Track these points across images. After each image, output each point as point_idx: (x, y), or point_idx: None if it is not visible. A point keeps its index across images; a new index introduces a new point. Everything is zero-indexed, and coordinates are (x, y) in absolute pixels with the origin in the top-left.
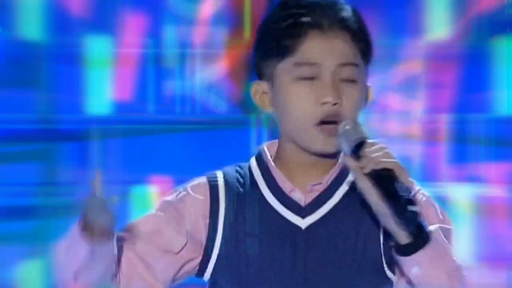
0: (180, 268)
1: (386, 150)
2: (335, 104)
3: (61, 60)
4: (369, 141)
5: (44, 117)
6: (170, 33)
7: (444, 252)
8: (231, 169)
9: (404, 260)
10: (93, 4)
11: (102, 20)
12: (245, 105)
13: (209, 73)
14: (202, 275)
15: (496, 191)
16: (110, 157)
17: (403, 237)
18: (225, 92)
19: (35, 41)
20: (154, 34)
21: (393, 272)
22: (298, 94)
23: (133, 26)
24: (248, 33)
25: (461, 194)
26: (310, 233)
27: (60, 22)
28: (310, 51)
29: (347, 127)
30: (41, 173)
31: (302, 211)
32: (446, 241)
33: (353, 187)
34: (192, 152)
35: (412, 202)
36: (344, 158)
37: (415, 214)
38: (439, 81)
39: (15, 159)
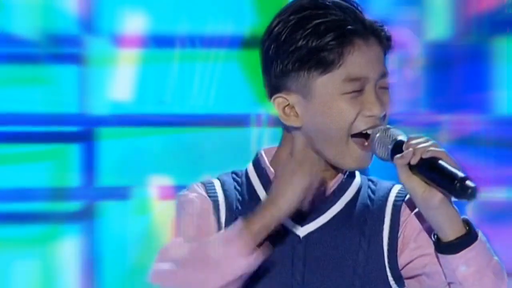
0: None
1: (431, 141)
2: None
3: (60, 60)
4: (409, 137)
5: (43, 118)
6: (170, 31)
7: (489, 251)
8: (227, 177)
9: (452, 259)
10: (92, 2)
11: (102, 19)
12: (245, 104)
13: (209, 72)
14: None
15: (496, 193)
16: (109, 158)
17: (454, 231)
18: (225, 91)
19: (35, 40)
20: (154, 32)
21: (399, 286)
22: (343, 108)
23: (133, 24)
24: (249, 31)
25: None
26: (309, 242)
27: (60, 21)
28: (357, 64)
29: (378, 134)
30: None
31: (301, 219)
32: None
33: (355, 197)
34: (192, 152)
35: (469, 178)
36: (393, 160)
37: (475, 189)
38: (438, 81)
39: (13, 161)
